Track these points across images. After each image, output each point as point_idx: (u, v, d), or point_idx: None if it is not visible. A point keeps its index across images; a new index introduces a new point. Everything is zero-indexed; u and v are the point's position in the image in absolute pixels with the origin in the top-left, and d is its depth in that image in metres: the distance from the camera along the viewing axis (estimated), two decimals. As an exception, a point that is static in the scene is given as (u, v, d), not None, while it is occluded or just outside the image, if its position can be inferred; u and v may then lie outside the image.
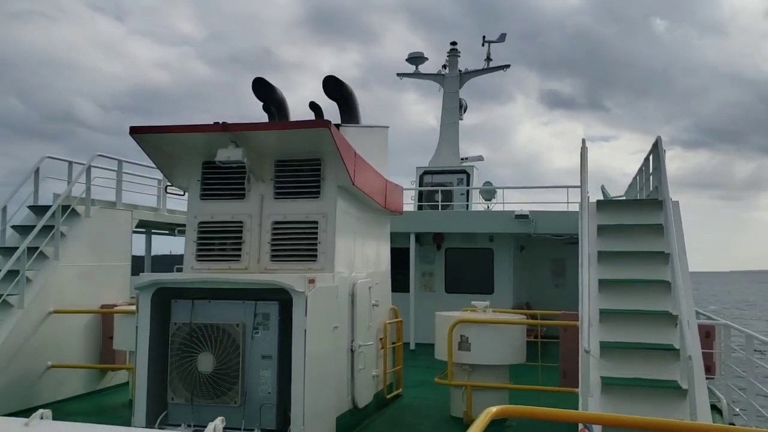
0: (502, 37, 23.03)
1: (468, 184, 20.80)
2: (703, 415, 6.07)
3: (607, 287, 7.66)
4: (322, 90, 9.01)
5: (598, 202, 9.22)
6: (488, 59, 22.95)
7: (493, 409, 3.11)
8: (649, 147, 9.95)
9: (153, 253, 15.14)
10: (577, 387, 6.67)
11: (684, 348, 6.21)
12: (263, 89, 8.77)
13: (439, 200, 19.28)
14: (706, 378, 7.05)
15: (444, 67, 23.06)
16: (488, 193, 20.62)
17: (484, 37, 23.05)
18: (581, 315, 7.03)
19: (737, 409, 8.70)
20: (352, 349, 7.98)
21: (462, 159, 22.10)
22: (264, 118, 8.86)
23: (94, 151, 11.22)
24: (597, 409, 6.29)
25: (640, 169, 11.24)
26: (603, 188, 15.94)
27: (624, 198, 13.58)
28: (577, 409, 6.28)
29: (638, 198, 11.14)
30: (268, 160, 7.78)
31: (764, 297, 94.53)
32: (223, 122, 7.18)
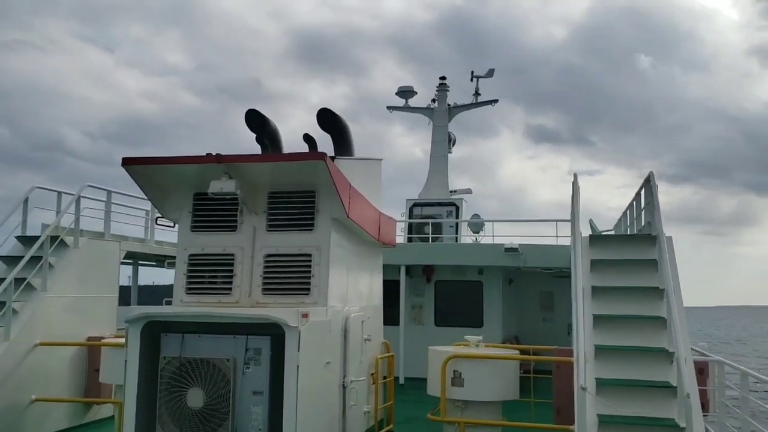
0: (490, 73, 23.32)
1: (457, 217, 20.85)
2: None
3: (601, 323, 7.61)
4: (311, 121, 9.01)
5: (591, 236, 9.21)
6: (477, 94, 23.22)
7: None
8: (633, 181, 10.01)
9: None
10: (571, 424, 6.57)
11: (681, 385, 6.16)
12: (256, 121, 8.74)
13: (430, 232, 19.27)
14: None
15: (433, 101, 23.28)
16: (477, 225, 20.68)
17: (472, 72, 23.34)
18: (576, 351, 6.96)
19: None
20: (344, 385, 7.85)
21: (451, 192, 22.19)
22: (257, 149, 8.82)
23: (81, 180, 11.28)
24: (594, 447, 6.20)
25: (631, 204, 11.27)
26: (591, 222, 16.00)
27: (613, 233, 13.62)
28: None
29: (629, 233, 11.15)
30: (262, 192, 7.71)
31: (752, 333, 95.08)
32: (216, 153, 7.12)
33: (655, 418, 6.43)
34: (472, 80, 23.16)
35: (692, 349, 10.09)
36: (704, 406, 8.35)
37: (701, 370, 8.68)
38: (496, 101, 23.13)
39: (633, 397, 6.71)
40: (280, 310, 6.64)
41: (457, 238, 20.59)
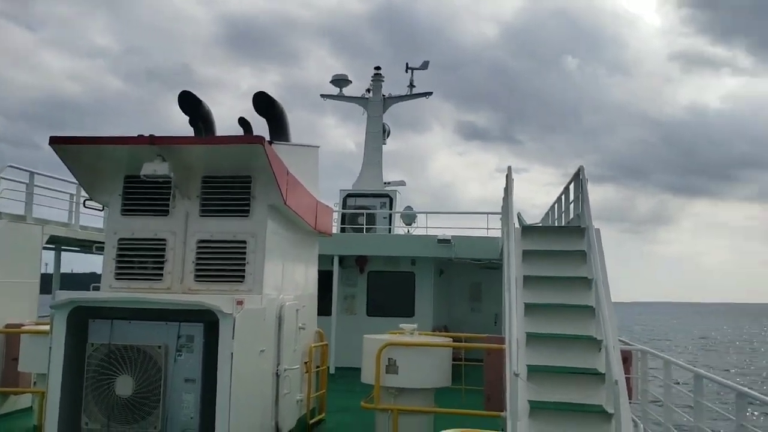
0: (425, 65, 23.47)
1: (391, 208, 20.92)
2: None
3: (532, 311, 7.76)
4: (241, 109, 8.84)
5: (523, 227, 9.39)
6: (411, 86, 23.29)
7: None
8: (558, 179, 10.30)
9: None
10: (501, 410, 6.69)
11: (610, 373, 6.35)
12: (190, 102, 8.51)
13: (364, 223, 19.28)
14: None
15: (368, 90, 23.24)
16: (409, 217, 20.80)
17: (407, 64, 23.42)
18: (508, 338, 7.08)
19: None
20: (277, 373, 7.77)
21: (385, 183, 22.25)
22: (189, 132, 8.60)
23: (-2, 161, 10.61)
24: (525, 432, 6.33)
25: (560, 198, 11.55)
26: (519, 216, 16.34)
27: (541, 225, 13.93)
28: (505, 432, 6.30)
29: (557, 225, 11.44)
30: (196, 176, 7.52)
31: (671, 327, 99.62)
32: (150, 135, 6.90)
33: (584, 404, 6.61)
34: (407, 71, 23.25)
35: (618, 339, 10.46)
36: (628, 394, 8.66)
37: (626, 359, 8.99)
38: (430, 93, 23.30)
39: (562, 383, 6.87)
40: (215, 297, 6.52)
41: (390, 229, 20.67)
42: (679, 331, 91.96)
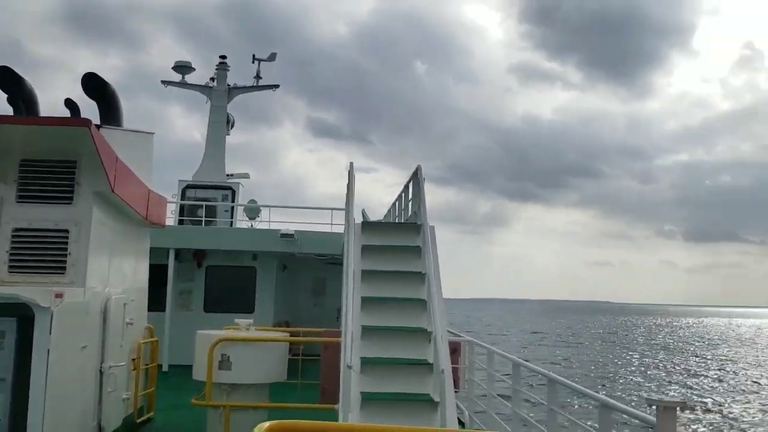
0: (272, 57, 23.12)
1: (233, 201, 20.45)
2: (451, 426, 6.48)
3: (369, 305, 7.89)
4: (78, 93, 8.29)
5: (363, 223, 9.54)
6: (258, 77, 22.90)
7: (266, 424, 3.01)
8: (406, 180, 10.54)
9: None
10: (336, 403, 6.75)
11: (437, 362, 6.59)
12: (9, 79, 7.82)
13: (203, 216, 18.70)
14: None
15: (212, 79, 22.57)
16: (252, 211, 20.44)
17: (254, 55, 22.97)
18: (344, 331, 7.17)
19: (478, 421, 9.45)
20: (101, 371, 7.34)
21: (228, 175, 21.71)
22: (8, 111, 7.90)
23: None
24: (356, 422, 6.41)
25: (400, 196, 11.86)
26: (363, 212, 16.61)
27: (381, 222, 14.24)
28: (337, 424, 6.34)
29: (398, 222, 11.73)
30: (12, 159, 6.92)
31: (506, 323, 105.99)
32: (-42, 111, 6.26)
33: (413, 393, 6.82)
34: (253, 62, 22.81)
35: (448, 330, 10.92)
36: (456, 383, 9.06)
37: (454, 350, 9.40)
38: (277, 86, 23.01)
39: (395, 374, 7.05)
40: (30, 289, 6.03)
41: (232, 222, 20.22)
42: (512, 326, 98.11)
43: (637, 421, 5.07)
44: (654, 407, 4.44)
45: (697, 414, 26.59)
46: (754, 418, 26.39)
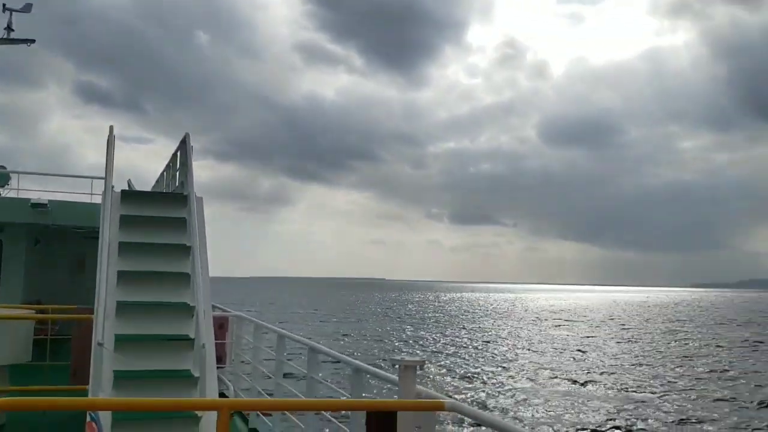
0: (27, 7, 20.69)
1: (-25, 166, 18.15)
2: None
3: (127, 279, 7.41)
4: None
5: (123, 192, 8.89)
6: (9, 29, 20.41)
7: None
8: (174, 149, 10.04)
9: None
10: (88, 384, 6.28)
11: (198, 337, 6.38)
12: None
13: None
14: (217, 367, 7.37)
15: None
16: (1, 178, 18.29)
17: (4, 4, 20.41)
18: (97, 308, 6.66)
19: (243, 396, 9.34)
20: None
21: (-31, 137, 19.22)
22: None
23: None
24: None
25: (168, 165, 11.27)
26: (129, 182, 15.59)
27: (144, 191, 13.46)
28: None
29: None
30: None
31: (289, 302, 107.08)
32: None
33: (171, 370, 6.55)
34: (3, 11, 20.28)
35: (215, 306, 10.64)
36: (221, 359, 8.89)
37: (221, 325, 9.21)
38: (32, 41, 20.66)
39: (154, 351, 6.72)
40: None
41: (-27, 191, 17.92)
42: (293, 304, 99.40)
43: (387, 383, 5.34)
44: (397, 366, 4.68)
45: (440, 371, 30.31)
46: (495, 377, 29.49)
